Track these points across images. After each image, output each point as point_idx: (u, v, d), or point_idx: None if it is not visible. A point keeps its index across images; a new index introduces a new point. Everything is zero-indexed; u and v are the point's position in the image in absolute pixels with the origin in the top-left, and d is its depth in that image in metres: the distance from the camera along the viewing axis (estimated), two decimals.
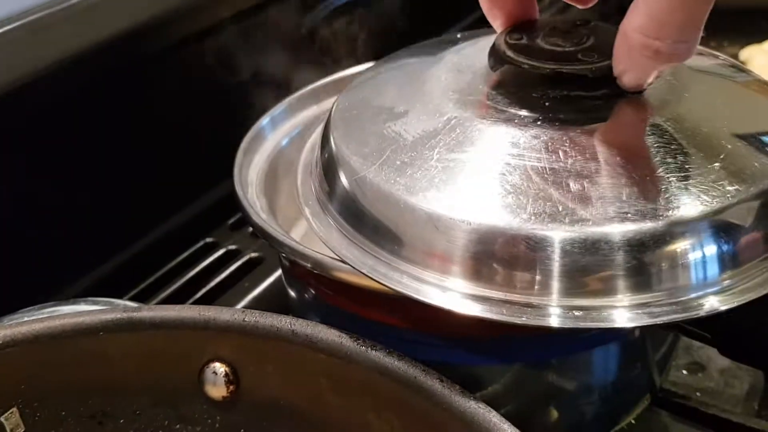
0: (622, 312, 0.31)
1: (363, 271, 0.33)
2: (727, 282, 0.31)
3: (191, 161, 0.59)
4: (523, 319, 0.31)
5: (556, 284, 0.31)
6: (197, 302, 0.52)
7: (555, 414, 0.41)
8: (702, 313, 0.31)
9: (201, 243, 0.58)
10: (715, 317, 0.33)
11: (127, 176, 0.56)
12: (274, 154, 0.45)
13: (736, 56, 0.75)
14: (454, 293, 0.32)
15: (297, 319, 0.34)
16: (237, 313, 0.34)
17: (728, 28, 0.77)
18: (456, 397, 0.29)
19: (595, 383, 0.40)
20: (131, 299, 0.53)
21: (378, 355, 0.31)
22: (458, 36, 0.42)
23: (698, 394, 0.46)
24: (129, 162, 0.56)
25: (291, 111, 0.47)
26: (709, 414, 0.44)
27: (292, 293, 0.43)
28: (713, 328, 0.34)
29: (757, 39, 0.75)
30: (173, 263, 0.56)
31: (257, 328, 0.33)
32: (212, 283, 0.53)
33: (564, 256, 0.31)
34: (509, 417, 0.40)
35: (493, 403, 0.40)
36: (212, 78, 0.60)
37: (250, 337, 0.34)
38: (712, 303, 0.31)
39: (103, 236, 0.55)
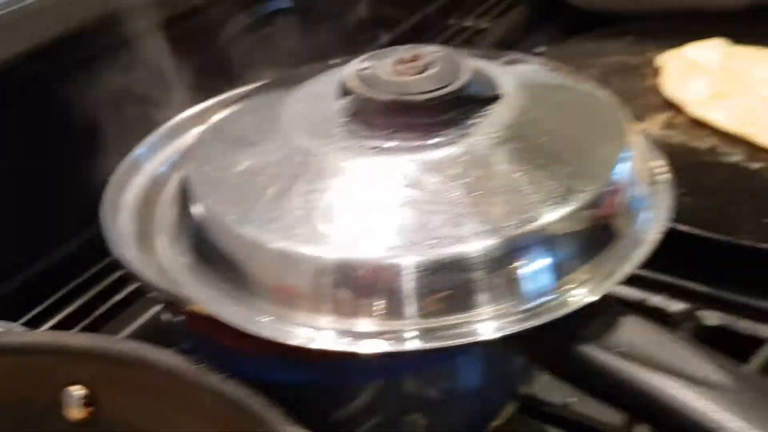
0: (486, 324, 0.32)
1: (197, 300, 0.34)
2: (585, 277, 0.33)
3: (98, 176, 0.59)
4: (374, 346, 0.32)
5: (407, 307, 0.32)
6: (92, 323, 0.53)
7: (423, 421, 0.42)
8: (567, 309, 0.32)
9: (107, 260, 0.59)
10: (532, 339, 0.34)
11: (32, 191, 0.57)
12: (150, 183, 0.45)
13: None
14: (289, 325, 0.33)
15: (144, 344, 0.35)
16: (91, 338, 0.36)
17: (654, 32, 0.78)
18: (278, 420, 0.31)
19: (458, 390, 0.42)
20: (32, 319, 0.54)
21: (210, 380, 0.33)
22: (329, 62, 0.43)
23: (575, 399, 0.47)
24: (35, 175, 0.57)
25: (171, 137, 0.47)
26: (575, 421, 0.46)
27: (167, 318, 0.44)
28: (533, 350, 0.35)
29: (680, 43, 0.75)
30: (77, 282, 0.57)
31: (107, 353, 0.35)
32: (110, 303, 0.55)
33: (409, 279, 0.32)
34: (377, 428, 0.42)
35: (360, 415, 0.41)
36: (129, 87, 0.59)
37: (102, 362, 0.36)
38: (576, 299, 0.33)
39: (5, 254, 0.56)
